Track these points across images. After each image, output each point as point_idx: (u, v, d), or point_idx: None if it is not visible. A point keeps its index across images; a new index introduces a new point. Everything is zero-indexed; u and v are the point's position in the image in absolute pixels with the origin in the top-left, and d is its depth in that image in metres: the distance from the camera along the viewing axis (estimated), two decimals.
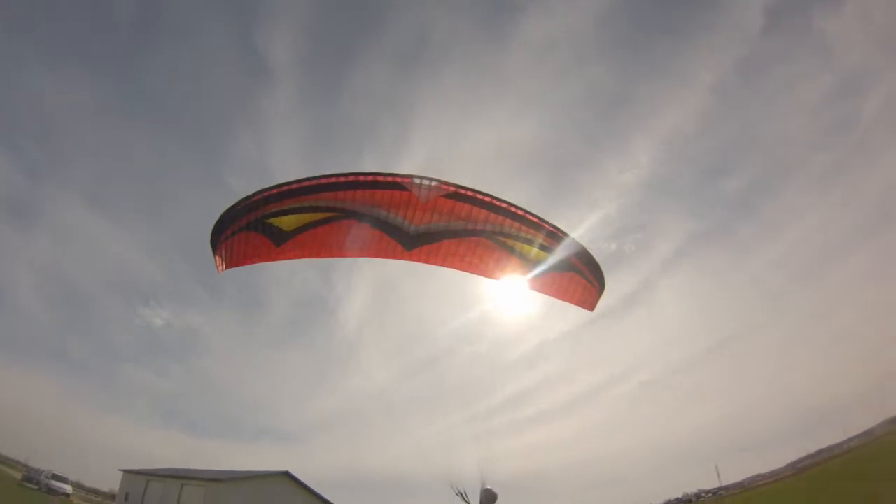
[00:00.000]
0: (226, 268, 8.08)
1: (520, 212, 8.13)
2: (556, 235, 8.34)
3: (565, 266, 8.59)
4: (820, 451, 78.93)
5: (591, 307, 9.18)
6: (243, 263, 8.31)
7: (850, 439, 75.71)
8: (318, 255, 8.53)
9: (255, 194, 7.49)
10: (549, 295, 8.95)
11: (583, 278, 8.75)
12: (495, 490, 7.27)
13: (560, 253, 8.47)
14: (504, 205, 8.07)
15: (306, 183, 7.48)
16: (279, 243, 8.01)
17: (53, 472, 43.63)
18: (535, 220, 8.19)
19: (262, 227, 7.77)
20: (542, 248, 8.42)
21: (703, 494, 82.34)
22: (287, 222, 7.83)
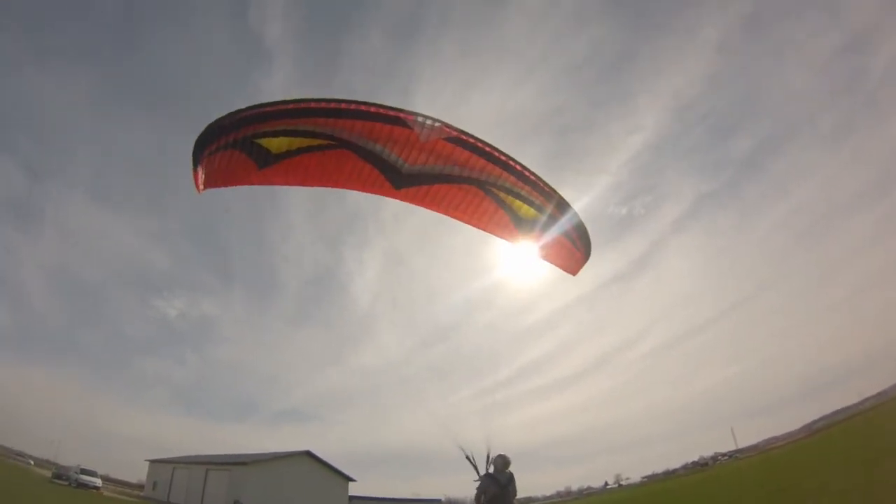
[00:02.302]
0: (203, 188, 7.41)
1: (518, 167, 7.97)
2: (548, 195, 8.25)
3: (553, 228, 8.54)
4: (835, 412, 79.23)
5: (575, 272, 9.22)
6: (223, 184, 7.72)
7: (865, 400, 75.89)
8: (302, 183, 8.09)
9: (246, 109, 6.86)
10: (534, 254, 8.93)
11: (570, 242, 8.75)
12: (508, 456, 7.35)
13: (550, 214, 8.40)
14: (503, 157, 7.88)
15: (305, 105, 6.97)
16: (263, 165, 7.44)
17: (82, 467, 44.59)
18: (532, 177, 8.08)
19: (249, 146, 7.15)
20: (533, 206, 8.32)
21: (719, 457, 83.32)
22: (276, 144, 7.28)
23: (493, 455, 7.40)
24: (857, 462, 17.22)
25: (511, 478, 7.25)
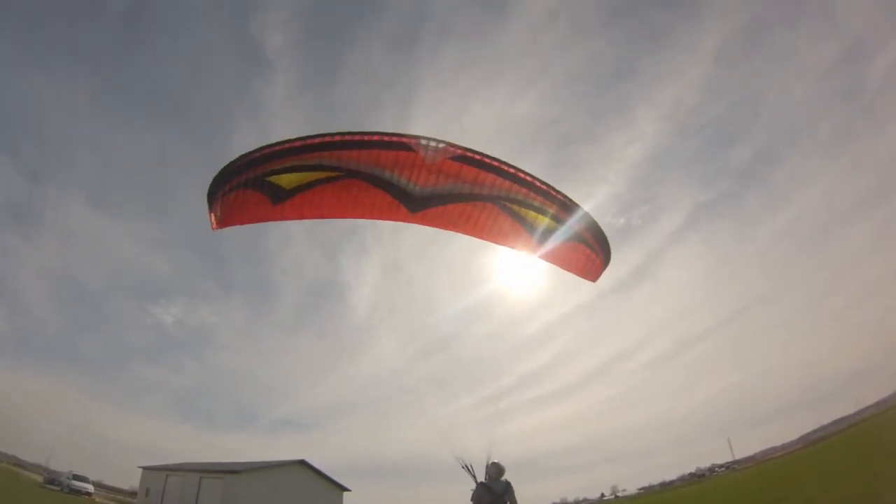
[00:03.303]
0: (220, 226, 7.72)
1: (528, 178, 7.96)
2: (562, 203, 8.18)
3: (570, 235, 8.44)
4: (833, 423, 78.97)
5: (595, 278, 9.08)
6: (239, 222, 7.99)
7: (863, 410, 75.65)
8: (318, 216, 8.21)
9: (255, 150, 7.19)
10: (552, 263, 8.81)
11: (588, 248, 8.62)
12: (502, 464, 7.19)
13: (565, 221, 8.30)
14: (512, 170, 7.88)
15: (309, 141, 7.19)
16: (277, 202, 7.68)
17: (74, 472, 44.27)
18: (543, 187, 8.03)
19: (262, 184, 7.43)
20: (548, 215, 8.24)
21: (716, 469, 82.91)
22: (287, 180, 7.52)
23: (490, 462, 7.24)
24: (856, 472, 17.13)
25: (507, 487, 7.02)
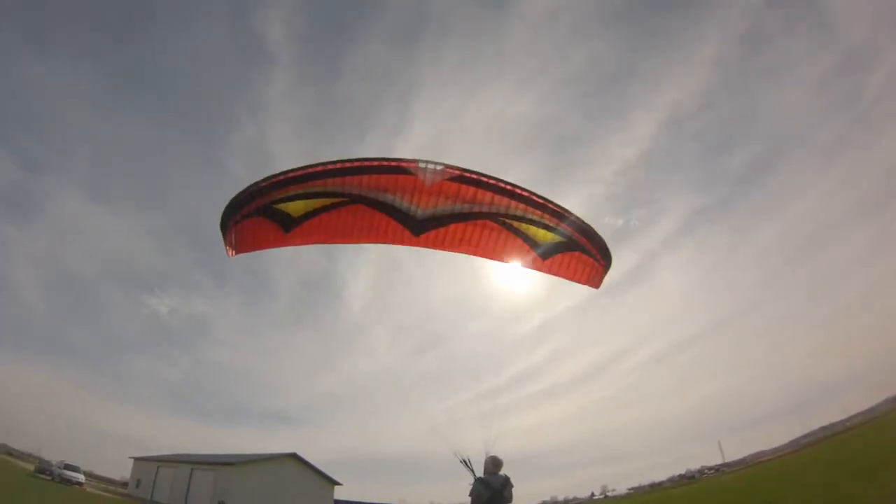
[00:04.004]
0: (235, 253, 8.13)
1: (525, 193, 8.11)
2: (560, 215, 8.32)
3: (571, 245, 8.57)
4: (821, 429, 79.52)
5: (598, 285, 9.17)
6: (253, 249, 8.35)
7: (852, 417, 76.22)
8: (327, 242, 8.52)
9: (263, 180, 7.55)
10: (556, 275, 8.91)
11: (588, 256, 8.72)
12: (500, 457, 6.89)
13: (565, 232, 8.42)
14: (509, 186, 8.06)
15: (311, 169, 7.53)
16: (288, 229, 8.04)
17: (65, 462, 44.21)
18: (540, 200, 8.17)
19: (271, 212, 7.82)
20: (547, 228, 8.38)
21: (706, 471, 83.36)
22: (294, 208, 7.86)
23: (486, 458, 6.90)
24: (845, 477, 17.33)
25: (506, 481, 6.65)
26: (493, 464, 6.84)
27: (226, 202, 7.75)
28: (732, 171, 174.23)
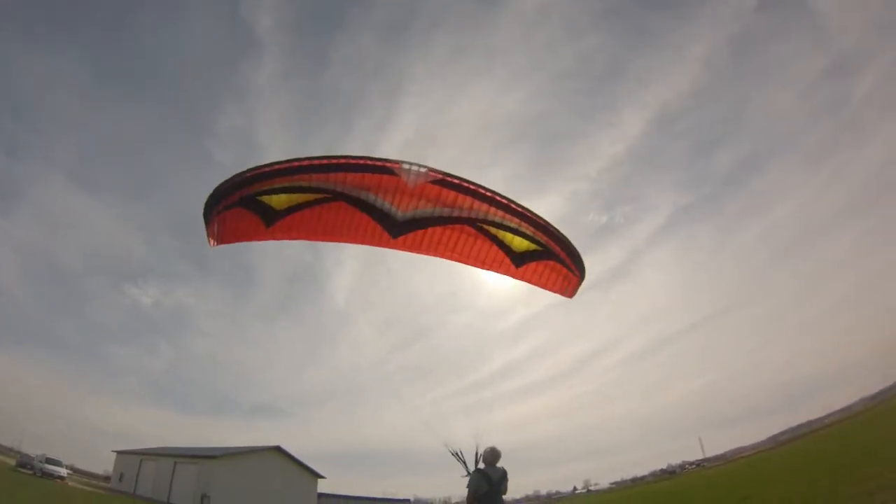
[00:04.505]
0: (217, 244, 8.08)
1: (504, 200, 8.26)
2: (536, 223, 8.49)
3: (545, 254, 8.72)
4: (801, 426, 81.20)
5: (571, 295, 9.36)
6: (234, 241, 8.32)
7: (830, 415, 77.87)
8: (306, 238, 8.53)
9: (248, 170, 7.56)
10: (529, 283, 9.09)
11: (563, 266, 8.88)
12: (499, 448, 6.78)
13: (541, 241, 8.58)
14: (489, 193, 8.19)
15: (296, 163, 7.55)
16: (270, 223, 8.04)
17: (47, 456, 43.43)
18: (518, 208, 8.34)
19: (254, 204, 7.81)
20: (524, 236, 8.53)
21: (686, 466, 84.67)
22: (278, 201, 7.87)
23: (482, 450, 6.81)
24: (823, 472, 17.66)
25: (504, 475, 6.56)
26: (493, 455, 6.73)
27: (210, 191, 7.72)
28: (719, 170, 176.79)
